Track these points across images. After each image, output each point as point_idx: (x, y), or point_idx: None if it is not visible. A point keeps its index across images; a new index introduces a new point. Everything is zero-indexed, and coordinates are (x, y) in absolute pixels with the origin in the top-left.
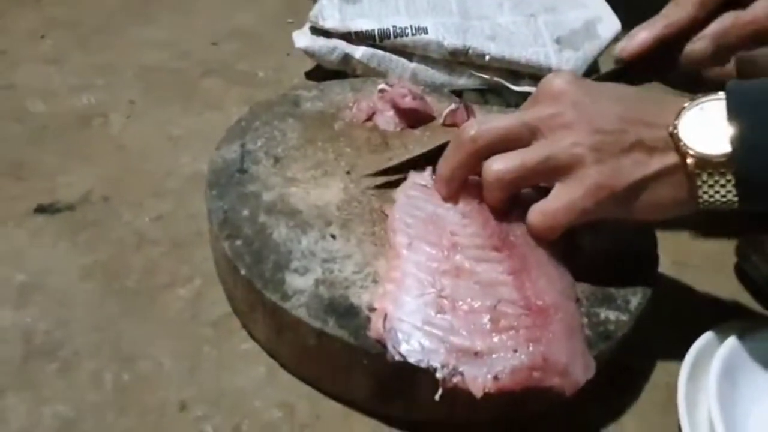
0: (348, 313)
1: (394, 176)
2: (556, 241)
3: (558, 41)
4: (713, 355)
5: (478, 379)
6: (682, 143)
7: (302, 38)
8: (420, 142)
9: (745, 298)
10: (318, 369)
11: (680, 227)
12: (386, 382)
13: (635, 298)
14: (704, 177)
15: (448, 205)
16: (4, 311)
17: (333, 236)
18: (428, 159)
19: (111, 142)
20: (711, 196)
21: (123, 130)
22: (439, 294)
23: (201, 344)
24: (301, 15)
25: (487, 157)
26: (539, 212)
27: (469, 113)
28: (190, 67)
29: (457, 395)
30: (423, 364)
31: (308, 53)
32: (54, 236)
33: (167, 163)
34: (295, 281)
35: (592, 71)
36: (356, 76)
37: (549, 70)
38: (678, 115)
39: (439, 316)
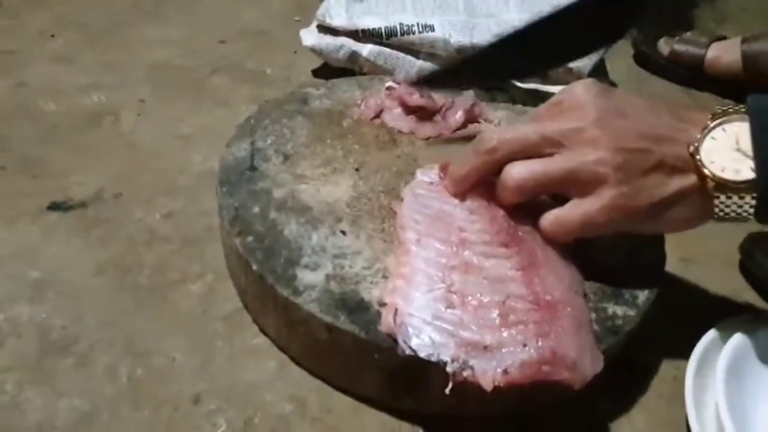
0: (359, 308)
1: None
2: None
3: None
4: (720, 349)
5: (488, 373)
6: (702, 166)
7: (309, 36)
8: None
9: (751, 295)
10: (329, 363)
11: None
12: (396, 376)
13: (643, 293)
14: (722, 198)
15: (456, 201)
16: (21, 307)
17: (343, 232)
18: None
19: (122, 140)
20: (726, 213)
21: (134, 129)
22: (449, 289)
23: (213, 339)
24: (308, 13)
25: (504, 165)
26: (554, 219)
27: (475, 108)
28: (198, 65)
29: (467, 389)
30: (433, 358)
31: (315, 51)
32: (67, 233)
33: (178, 161)
34: (307, 277)
35: (598, 69)
36: (363, 74)
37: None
38: (700, 134)
39: (448, 311)
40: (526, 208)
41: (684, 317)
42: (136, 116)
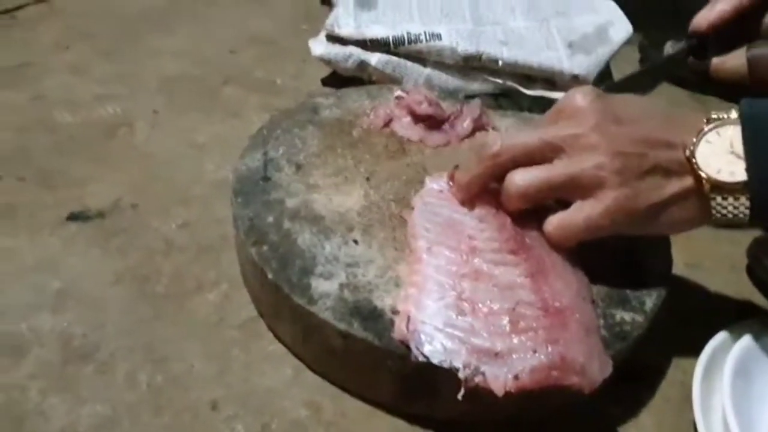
0: (372, 315)
1: None
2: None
3: (570, 46)
4: (727, 354)
5: (499, 379)
6: (698, 167)
7: (318, 46)
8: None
9: (759, 299)
10: (343, 370)
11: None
12: (409, 382)
13: (650, 299)
14: (718, 199)
15: (465, 210)
16: (43, 316)
17: (355, 241)
18: None
19: (137, 151)
20: (724, 215)
21: (148, 139)
22: (459, 297)
23: (229, 346)
24: (317, 23)
25: (507, 170)
26: (557, 224)
27: (482, 115)
28: (210, 75)
29: (479, 394)
30: (446, 365)
31: (324, 60)
32: (86, 243)
33: (191, 171)
34: (321, 285)
35: (604, 74)
36: (372, 82)
37: (562, 74)
38: (696, 137)
39: (459, 318)
40: (534, 216)
41: (691, 321)
42: (150, 127)
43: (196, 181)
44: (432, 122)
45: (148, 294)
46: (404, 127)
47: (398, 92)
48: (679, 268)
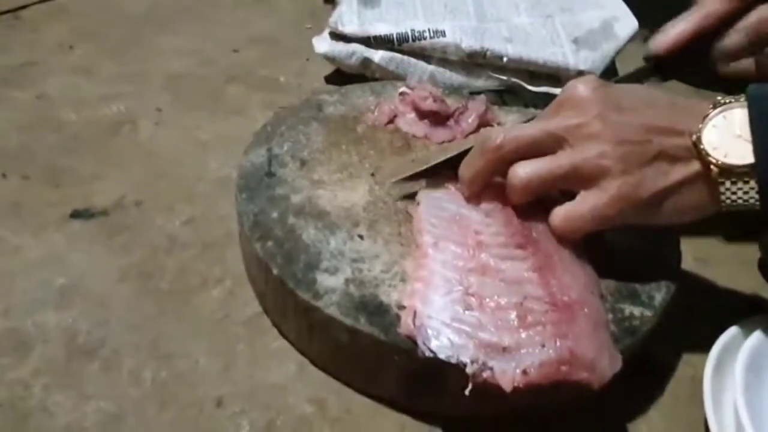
0: (378, 310)
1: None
2: (579, 238)
3: (575, 41)
4: (738, 349)
5: (508, 374)
6: (705, 152)
7: (322, 44)
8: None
9: None
10: (349, 365)
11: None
12: (416, 378)
13: (659, 293)
14: (727, 184)
15: (471, 205)
16: (48, 313)
17: (361, 237)
18: (452, 163)
19: (141, 149)
20: (733, 201)
21: (152, 137)
22: (466, 291)
23: (234, 342)
24: (320, 20)
25: (511, 163)
26: (563, 216)
27: (487, 111)
28: (213, 74)
29: (487, 390)
30: (453, 360)
31: (328, 58)
32: (90, 240)
33: (195, 168)
34: (326, 281)
35: (610, 71)
36: (375, 80)
37: (567, 70)
38: (701, 123)
39: (467, 312)
40: (541, 210)
41: (701, 316)
42: (154, 125)
43: (199, 178)
44: (437, 118)
45: (152, 290)
46: (409, 123)
47: (403, 88)
48: (688, 263)
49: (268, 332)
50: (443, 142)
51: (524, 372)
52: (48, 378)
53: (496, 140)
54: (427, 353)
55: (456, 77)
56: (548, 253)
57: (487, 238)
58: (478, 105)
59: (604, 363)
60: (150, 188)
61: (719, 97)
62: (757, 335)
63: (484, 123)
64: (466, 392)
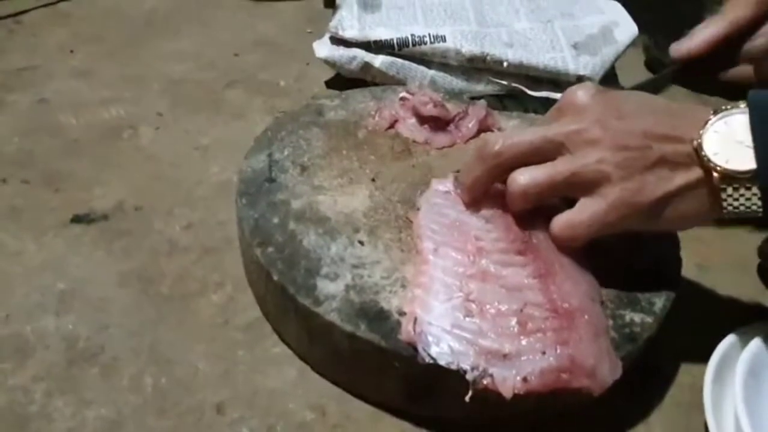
0: (378, 317)
1: None
2: (580, 245)
3: (575, 46)
4: (738, 355)
5: (508, 381)
6: (706, 158)
7: (322, 48)
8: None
9: None
10: (349, 372)
11: (702, 229)
12: (416, 384)
13: (659, 300)
14: (729, 191)
15: (471, 211)
16: (48, 318)
17: (361, 242)
18: None
19: (141, 153)
20: (735, 207)
21: (152, 141)
22: (467, 298)
23: (234, 348)
24: (320, 24)
25: (510, 169)
26: (563, 223)
27: (487, 116)
28: (214, 78)
29: (487, 396)
30: (453, 366)
31: (329, 63)
32: (90, 245)
33: (195, 173)
34: (327, 287)
35: (609, 76)
36: (375, 84)
37: (567, 75)
38: (702, 129)
39: (467, 319)
40: (541, 216)
41: (701, 323)
42: (155, 129)
43: (200, 182)
44: (437, 123)
45: (152, 296)
46: (409, 128)
47: (403, 93)
48: (688, 269)
49: (268, 338)
50: (444, 147)
51: (524, 379)
52: (48, 384)
53: (495, 146)
54: (428, 360)
55: (456, 82)
56: (549, 260)
57: (487, 244)
58: (478, 110)
59: (605, 370)
60: (150, 193)
61: (722, 105)
62: (757, 342)
63: (484, 128)
64: (467, 399)
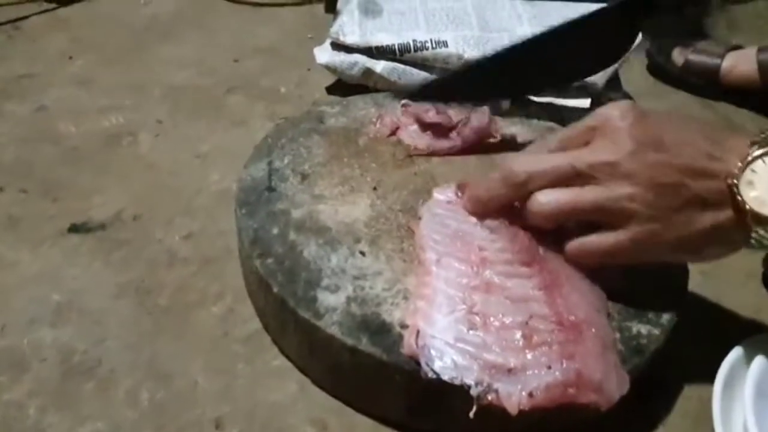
0: (380, 330)
1: None
2: None
3: None
4: (747, 366)
5: (513, 397)
6: (742, 202)
7: (323, 54)
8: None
9: None
10: (350, 385)
11: None
12: (419, 399)
13: (667, 311)
14: (761, 232)
15: (475, 220)
16: (43, 330)
17: (362, 253)
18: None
19: (140, 161)
20: (762, 244)
21: (152, 149)
22: (470, 310)
23: (234, 361)
24: (321, 30)
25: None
26: (579, 247)
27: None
28: (214, 84)
29: (492, 412)
30: (457, 381)
31: (330, 69)
32: (88, 255)
33: (196, 181)
34: (327, 299)
35: (613, 81)
36: (377, 90)
37: None
38: (741, 164)
39: (471, 332)
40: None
41: (709, 334)
42: (154, 137)
43: (200, 191)
44: (439, 130)
45: (150, 307)
46: (411, 135)
47: (405, 100)
48: (693, 278)
49: (268, 350)
50: (446, 154)
51: (530, 395)
52: (43, 398)
53: (521, 176)
54: (431, 374)
55: None
56: (555, 271)
57: (491, 254)
58: (480, 116)
59: (612, 385)
60: (149, 201)
61: (758, 135)
62: (766, 353)
63: (486, 135)
64: (471, 415)
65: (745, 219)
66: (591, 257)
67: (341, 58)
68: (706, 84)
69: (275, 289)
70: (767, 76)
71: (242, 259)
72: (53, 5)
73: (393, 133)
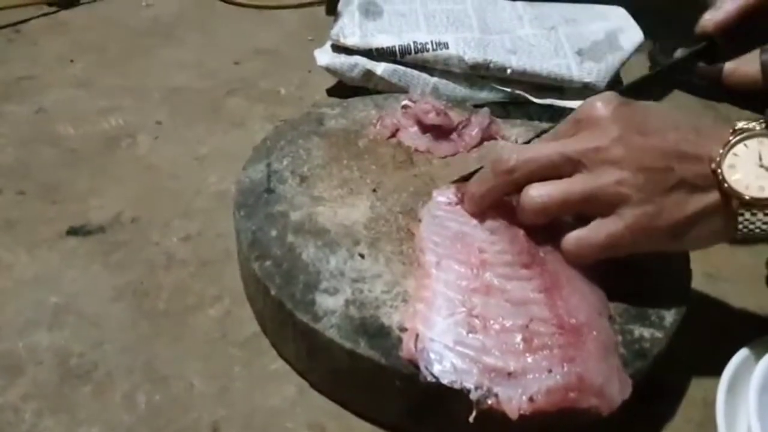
0: (379, 333)
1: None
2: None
3: (579, 53)
4: (752, 370)
5: (513, 401)
6: (725, 183)
7: (324, 56)
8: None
9: None
10: (349, 389)
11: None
12: (418, 403)
13: (670, 314)
14: (747, 215)
15: (475, 222)
16: (40, 333)
17: (361, 255)
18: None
19: (139, 163)
20: (750, 230)
21: (151, 151)
22: (470, 313)
23: (231, 364)
24: (321, 32)
25: (524, 184)
26: (576, 241)
27: (491, 124)
28: (214, 86)
29: (492, 416)
30: (456, 386)
31: (330, 71)
32: (86, 258)
33: (195, 183)
34: (326, 302)
35: (615, 83)
36: (377, 92)
37: (571, 81)
38: (722, 149)
39: (470, 335)
40: (548, 228)
41: (713, 336)
42: (153, 139)
43: (198, 193)
44: (440, 132)
45: (147, 310)
46: (411, 137)
47: (405, 101)
48: (697, 279)
49: (266, 353)
50: (446, 156)
51: (530, 399)
52: (39, 402)
53: (510, 162)
54: (430, 378)
55: (459, 89)
56: (555, 273)
57: (491, 256)
58: (481, 118)
59: (614, 389)
60: (147, 204)
61: (739, 123)
62: None
63: (487, 136)
64: (471, 419)
65: (730, 202)
66: (588, 251)
67: (341, 60)
68: (709, 85)
69: (273, 292)
70: None
71: (240, 261)
72: (54, 8)
73: (393, 134)
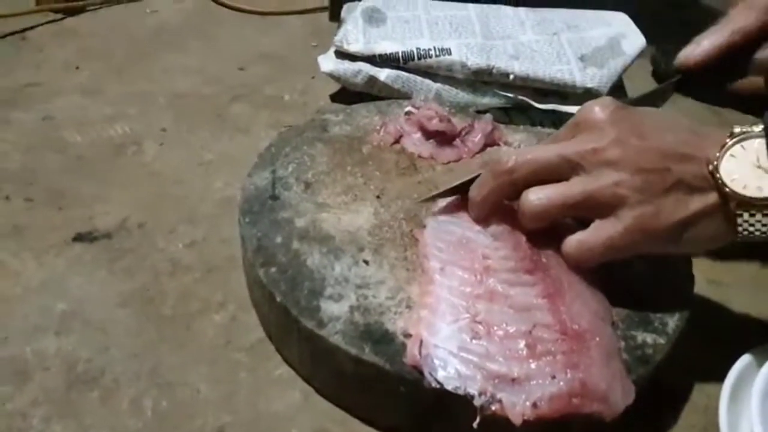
0: (383, 339)
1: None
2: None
3: (582, 59)
4: (754, 376)
5: (517, 407)
6: (723, 184)
7: (327, 62)
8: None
9: None
10: (354, 395)
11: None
12: (422, 409)
13: (672, 319)
14: (745, 216)
15: (478, 228)
16: (47, 339)
17: (366, 262)
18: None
19: (145, 170)
20: (750, 232)
21: (156, 157)
22: (474, 319)
23: (236, 370)
24: (325, 38)
25: (523, 187)
26: (576, 244)
27: (494, 130)
28: (218, 92)
29: (495, 422)
30: (460, 391)
31: (333, 77)
32: (92, 264)
33: (200, 189)
34: (331, 308)
35: (617, 88)
36: (381, 98)
37: (573, 87)
38: (719, 152)
39: (474, 341)
40: (551, 233)
41: (715, 342)
42: (159, 145)
43: (203, 199)
44: (443, 138)
45: (153, 316)
46: (415, 143)
47: (408, 108)
48: (700, 285)
49: (271, 359)
50: (449, 162)
51: (534, 405)
52: (47, 408)
53: (508, 163)
54: (434, 384)
55: (462, 95)
56: (558, 279)
57: (495, 262)
58: (484, 124)
59: (617, 394)
60: (153, 210)
61: (736, 127)
62: None
63: (490, 142)
64: (475, 425)
65: (728, 203)
66: (588, 253)
67: (345, 66)
68: (710, 90)
69: (278, 298)
70: None
71: (245, 267)
72: (60, 15)
73: (396, 141)
